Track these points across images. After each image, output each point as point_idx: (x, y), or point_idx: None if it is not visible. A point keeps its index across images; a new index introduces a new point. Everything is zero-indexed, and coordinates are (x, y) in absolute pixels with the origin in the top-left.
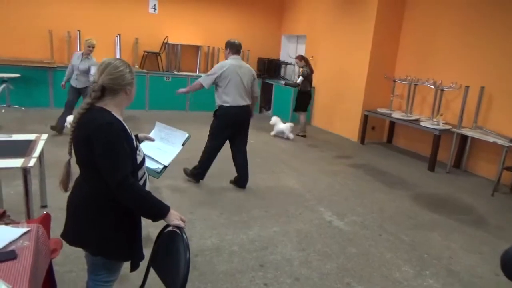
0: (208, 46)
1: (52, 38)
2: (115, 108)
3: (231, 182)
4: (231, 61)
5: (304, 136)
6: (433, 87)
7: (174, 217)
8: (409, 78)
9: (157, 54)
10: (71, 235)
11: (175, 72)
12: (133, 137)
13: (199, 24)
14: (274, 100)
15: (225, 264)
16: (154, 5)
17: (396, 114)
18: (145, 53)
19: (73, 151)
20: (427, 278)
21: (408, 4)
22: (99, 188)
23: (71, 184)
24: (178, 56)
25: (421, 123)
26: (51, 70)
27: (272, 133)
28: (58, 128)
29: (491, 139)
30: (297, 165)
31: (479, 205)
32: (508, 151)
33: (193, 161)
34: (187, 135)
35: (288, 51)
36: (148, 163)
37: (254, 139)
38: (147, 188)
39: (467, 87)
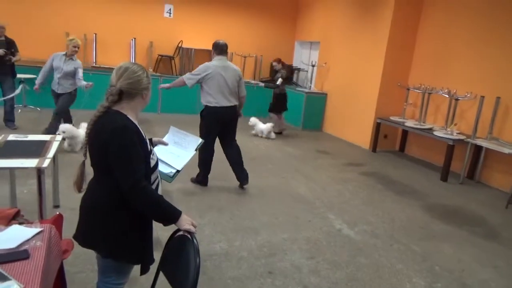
0: None
1: None
2: (131, 112)
3: (240, 186)
4: (215, 62)
5: (281, 133)
6: (447, 96)
7: (185, 222)
8: (423, 86)
9: (171, 58)
10: (83, 236)
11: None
12: (147, 140)
13: (213, 29)
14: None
15: (234, 269)
16: (170, 9)
17: (409, 123)
18: (159, 57)
19: (88, 152)
20: None
21: (423, 12)
22: (112, 191)
23: (84, 186)
24: (192, 60)
25: (435, 133)
26: None
27: (253, 131)
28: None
29: (506, 150)
30: (308, 172)
31: (493, 217)
32: None
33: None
34: (200, 140)
35: (301, 57)
36: (161, 167)
37: (264, 145)
38: (160, 191)
39: (483, 97)
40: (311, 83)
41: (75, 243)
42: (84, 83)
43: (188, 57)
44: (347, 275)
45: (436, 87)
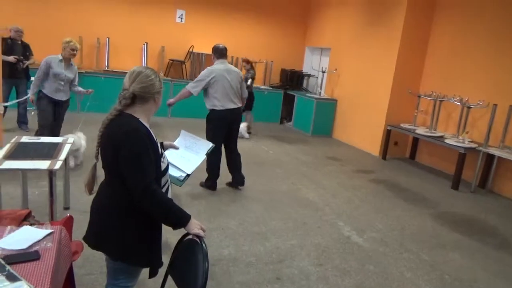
0: (232, 56)
1: (82, 45)
2: (143, 115)
3: (228, 184)
4: (218, 66)
5: (250, 132)
6: (459, 104)
7: (195, 226)
8: (434, 94)
9: (182, 63)
10: (92, 238)
11: None
12: (158, 144)
13: (224, 34)
14: (296, 111)
15: (242, 275)
16: (182, 15)
17: (420, 130)
18: (171, 61)
19: (99, 155)
20: None
21: (435, 19)
22: (122, 193)
23: (95, 188)
24: (203, 65)
25: (446, 140)
26: (80, 76)
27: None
28: None
29: None
30: (317, 178)
31: (505, 228)
32: None
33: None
34: (211, 144)
35: (312, 63)
36: (172, 171)
37: (273, 150)
38: (169, 195)
39: (495, 105)
40: (321, 89)
41: (85, 245)
42: (81, 89)
43: (199, 62)
44: (356, 283)
45: (447, 94)
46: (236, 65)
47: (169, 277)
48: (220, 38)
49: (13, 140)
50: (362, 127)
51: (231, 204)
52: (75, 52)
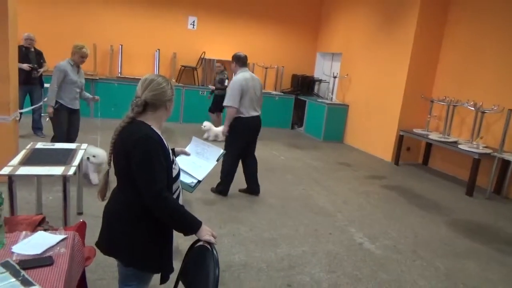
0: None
1: (96, 52)
2: (155, 122)
3: (241, 191)
4: (244, 74)
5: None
6: (473, 109)
7: (206, 233)
8: (447, 99)
9: (193, 69)
10: (105, 244)
11: (210, 86)
12: (170, 151)
13: (235, 40)
14: (307, 116)
15: (252, 281)
16: (193, 21)
17: (433, 136)
18: (182, 68)
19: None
20: None
21: (448, 23)
22: (134, 200)
23: (108, 194)
24: (214, 71)
25: (460, 146)
26: (94, 82)
27: (205, 135)
28: None
29: None
30: (328, 184)
31: None
32: None
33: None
34: (222, 151)
35: (323, 69)
36: (183, 177)
37: (284, 156)
38: (181, 201)
39: (510, 110)
40: (332, 94)
41: (97, 250)
42: (89, 95)
43: (210, 68)
44: None
45: (461, 99)
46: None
47: (180, 283)
48: (231, 44)
49: (28, 146)
50: (374, 132)
51: (242, 210)
52: (84, 59)
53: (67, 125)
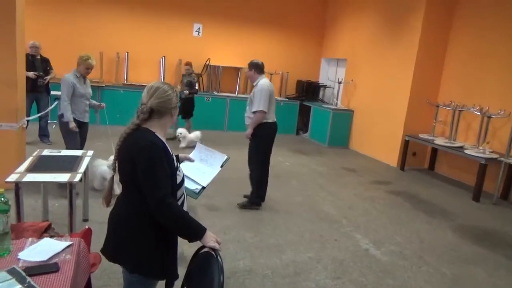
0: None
1: (102, 59)
2: (159, 129)
3: (247, 196)
4: (266, 81)
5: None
6: (479, 113)
7: (210, 239)
8: (453, 103)
9: (199, 75)
10: (110, 251)
11: (215, 93)
12: (174, 157)
13: (240, 46)
14: (312, 122)
15: None
16: (199, 28)
17: (439, 141)
18: None
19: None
20: None
21: (453, 27)
22: (139, 206)
23: (113, 201)
24: (219, 77)
25: (466, 151)
26: (100, 89)
27: (182, 145)
28: None
29: None
30: (334, 189)
31: None
32: None
33: (233, 181)
34: (226, 157)
35: (328, 74)
36: (187, 184)
37: (289, 162)
38: (185, 208)
39: None
40: (337, 100)
41: (103, 257)
42: (95, 102)
43: (215, 75)
44: None
45: (467, 104)
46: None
47: None
48: (236, 50)
49: (35, 153)
50: (379, 137)
51: (247, 216)
52: (90, 70)
53: (79, 138)
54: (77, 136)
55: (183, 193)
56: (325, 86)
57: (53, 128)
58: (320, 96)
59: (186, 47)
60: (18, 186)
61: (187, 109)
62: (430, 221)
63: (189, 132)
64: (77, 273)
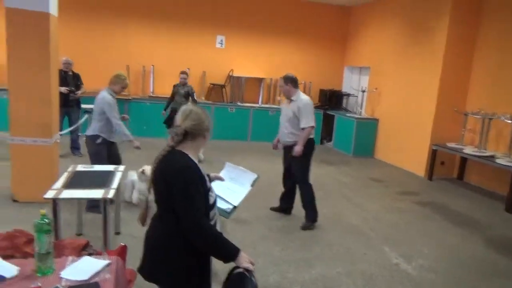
0: (271, 78)
1: (129, 72)
2: (192, 151)
3: (274, 209)
4: (305, 95)
5: None
6: (510, 121)
7: (244, 260)
8: (482, 111)
9: (222, 86)
10: (146, 270)
11: (239, 103)
12: (207, 178)
13: (262, 57)
14: (336, 131)
15: None
16: (222, 40)
17: (468, 150)
18: (211, 85)
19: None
20: None
21: (480, 33)
22: (173, 227)
23: (148, 220)
24: (242, 88)
25: (497, 160)
26: (127, 102)
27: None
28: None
29: None
30: (360, 201)
31: None
32: None
33: (258, 193)
34: (256, 175)
35: (351, 83)
36: (219, 203)
37: (314, 172)
38: (218, 228)
39: None
40: (361, 108)
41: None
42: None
43: (238, 85)
44: None
45: (497, 112)
46: (274, 87)
47: None
48: (258, 61)
49: (69, 169)
50: (405, 146)
51: (274, 229)
52: (124, 89)
53: (106, 159)
54: (104, 158)
55: (215, 214)
56: (348, 95)
57: (84, 140)
58: (344, 104)
59: (210, 58)
60: (55, 202)
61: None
62: (460, 233)
63: None
64: None
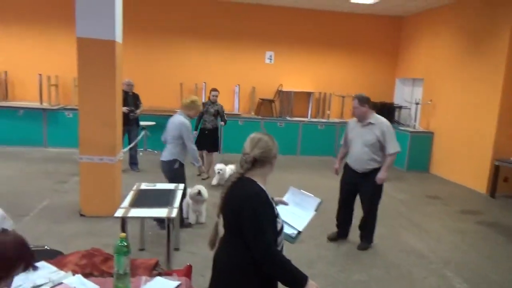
0: (320, 92)
1: (182, 90)
2: (260, 178)
3: (332, 239)
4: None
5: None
6: None
7: (312, 287)
8: None
9: (271, 101)
10: None
11: (288, 118)
12: (274, 204)
13: (311, 71)
14: None
15: None
16: (271, 56)
17: None
18: (261, 100)
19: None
20: None
21: None
22: (241, 252)
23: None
24: (291, 102)
25: None
26: None
27: (214, 182)
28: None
29: None
30: (418, 220)
31: None
32: None
33: (326, 223)
34: (319, 200)
35: (403, 95)
36: (284, 228)
37: None
38: (284, 253)
39: None
40: (415, 121)
41: None
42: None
43: (287, 100)
44: None
45: None
46: (323, 100)
47: None
48: (307, 75)
49: (134, 187)
50: (464, 161)
51: (330, 250)
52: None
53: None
54: (185, 179)
55: (282, 239)
56: (400, 107)
57: (141, 155)
58: (396, 117)
59: (259, 74)
60: (124, 221)
61: (213, 142)
62: None
63: (208, 170)
64: None
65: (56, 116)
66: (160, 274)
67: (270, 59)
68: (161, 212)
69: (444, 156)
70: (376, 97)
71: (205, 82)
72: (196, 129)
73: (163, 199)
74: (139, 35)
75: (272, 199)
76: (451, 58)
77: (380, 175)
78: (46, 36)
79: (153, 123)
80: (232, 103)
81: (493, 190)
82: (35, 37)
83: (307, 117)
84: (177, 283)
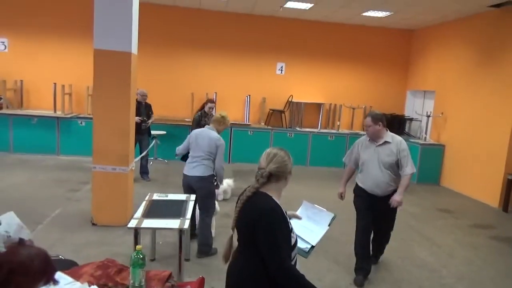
0: (330, 104)
1: (193, 100)
2: (275, 193)
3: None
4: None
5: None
6: None
7: None
8: None
9: (281, 112)
10: None
11: (298, 129)
12: (288, 219)
13: (322, 82)
14: None
15: None
16: (282, 67)
17: None
18: (271, 111)
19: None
20: None
21: None
22: (256, 266)
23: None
24: (301, 113)
25: None
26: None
27: (221, 197)
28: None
29: None
30: (429, 233)
31: None
32: None
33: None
34: (333, 215)
35: (414, 107)
36: (298, 242)
37: None
38: (298, 267)
39: None
40: (426, 134)
41: None
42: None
43: (297, 111)
44: None
45: None
46: (333, 112)
47: None
48: (317, 86)
49: (147, 198)
50: (476, 174)
51: (340, 261)
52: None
53: None
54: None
55: (295, 253)
56: (411, 119)
57: (151, 164)
58: (406, 129)
59: (270, 85)
60: (137, 231)
61: None
62: None
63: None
64: None
65: (69, 124)
66: (173, 286)
67: (281, 70)
68: (173, 224)
69: (455, 169)
70: (386, 109)
71: (216, 92)
72: None
73: (176, 210)
74: (151, 45)
75: (286, 213)
76: (463, 70)
77: (398, 198)
78: (61, 46)
79: (164, 132)
80: (242, 113)
81: (506, 204)
82: (51, 47)
83: (317, 128)
84: None
